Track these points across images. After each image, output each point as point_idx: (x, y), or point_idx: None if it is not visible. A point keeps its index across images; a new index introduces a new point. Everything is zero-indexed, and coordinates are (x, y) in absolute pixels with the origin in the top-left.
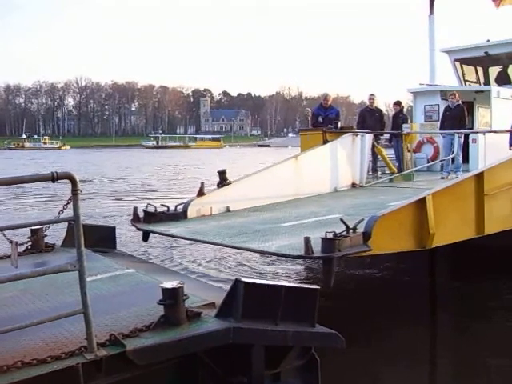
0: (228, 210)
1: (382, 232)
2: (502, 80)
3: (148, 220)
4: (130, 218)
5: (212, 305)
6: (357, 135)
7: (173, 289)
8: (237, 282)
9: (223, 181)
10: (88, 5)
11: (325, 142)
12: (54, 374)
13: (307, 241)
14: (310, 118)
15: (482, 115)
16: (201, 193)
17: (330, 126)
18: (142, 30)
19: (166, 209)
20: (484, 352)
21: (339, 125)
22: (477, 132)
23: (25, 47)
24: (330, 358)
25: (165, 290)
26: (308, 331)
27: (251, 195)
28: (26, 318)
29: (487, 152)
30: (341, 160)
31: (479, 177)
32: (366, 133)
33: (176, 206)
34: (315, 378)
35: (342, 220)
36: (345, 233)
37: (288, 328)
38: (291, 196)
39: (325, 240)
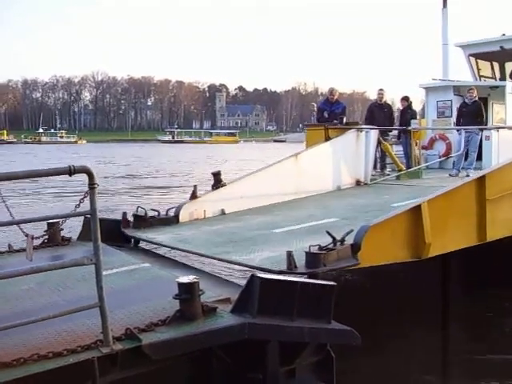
0: (223, 212)
1: (374, 243)
2: None
3: (138, 225)
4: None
5: (227, 300)
6: (361, 131)
7: (188, 283)
8: (253, 277)
9: (217, 182)
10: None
11: (327, 138)
12: (69, 368)
13: (289, 255)
14: (315, 113)
15: (496, 111)
16: (194, 195)
17: (335, 121)
18: (160, 25)
19: (156, 213)
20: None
21: (344, 120)
22: (488, 128)
23: (42, 42)
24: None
25: (181, 285)
26: (324, 327)
27: (248, 196)
28: (42, 311)
29: (501, 149)
30: (344, 157)
31: (481, 181)
32: (371, 128)
33: (167, 210)
34: (330, 375)
35: (328, 232)
36: (332, 245)
37: (304, 324)
38: (291, 195)
39: (309, 254)
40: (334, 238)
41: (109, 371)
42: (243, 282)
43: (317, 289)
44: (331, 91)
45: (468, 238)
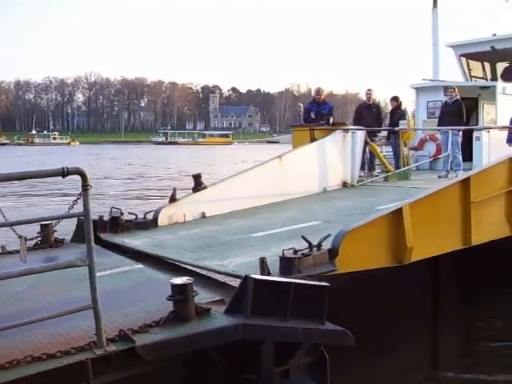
0: (204, 215)
1: (352, 247)
2: (509, 76)
3: (115, 230)
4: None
5: (221, 301)
6: (348, 132)
7: (182, 285)
8: (246, 278)
9: (198, 185)
10: (96, 2)
11: (312, 140)
12: (63, 369)
13: (262, 261)
14: (301, 114)
15: (487, 112)
16: (173, 199)
17: (321, 121)
18: (153, 26)
19: (134, 217)
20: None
21: (331, 121)
22: (473, 128)
23: (35, 43)
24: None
25: (174, 286)
26: (317, 328)
27: (230, 199)
28: (35, 312)
29: (492, 149)
30: (330, 158)
31: (465, 183)
32: (357, 129)
33: (145, 214)
34: (324, 376)
35: (303, 237)
36: (308, 250)
37: (297, 325)
38: (275, 198)
39: (283, 259)
40: (310, 243)
41: (102, 372)
42: (237, 284)
43: (310, 289)
44: (318, 91)
45: (452, 242)
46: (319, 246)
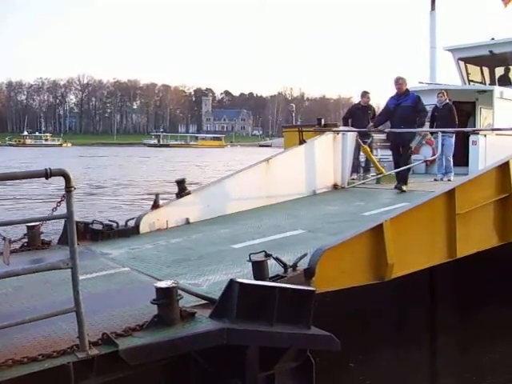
0: (187, 221)
1: (330, 266)
2: (504, 82)
3: (95, 238)
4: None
5: (207, 305)
6: (338, 133)
7: (167, 288)
8: (232, 282)
9: (182, 191)
10: (90, 3)
11: (301, 141)
12: (44, 373)
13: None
14: (293, 115)
15: (484, 116)
16: (156, 205)
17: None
18: (145, 28)
19: (114, 224)
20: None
21: (323, 122)
22: (464, 131)
23: (27, 44)
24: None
25: (159, 290)
26: (303, 333)
27: (215, 204)
28: (18, 315)
29: (488, 155)
30: (320, 160)
31: (450, 195)
32: (348, 131)
33: (126, 221)
34: (310, 380)
35: (277, 259)
36: (283, 271)
37: (283, 329)
38: (262, 202)
39: (254, 264)
40: (285, 265)
41: (85, 376)
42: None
43: (296, 294)
44: (397, 81)
45: (437, 256)
46: (295, 266)
